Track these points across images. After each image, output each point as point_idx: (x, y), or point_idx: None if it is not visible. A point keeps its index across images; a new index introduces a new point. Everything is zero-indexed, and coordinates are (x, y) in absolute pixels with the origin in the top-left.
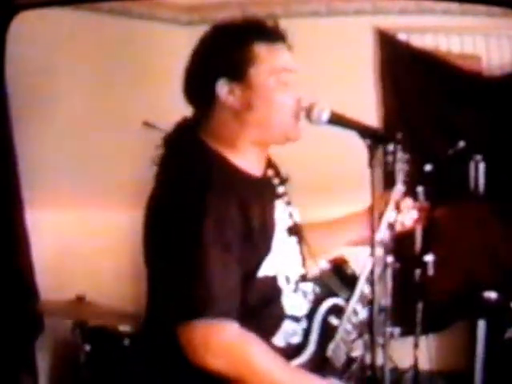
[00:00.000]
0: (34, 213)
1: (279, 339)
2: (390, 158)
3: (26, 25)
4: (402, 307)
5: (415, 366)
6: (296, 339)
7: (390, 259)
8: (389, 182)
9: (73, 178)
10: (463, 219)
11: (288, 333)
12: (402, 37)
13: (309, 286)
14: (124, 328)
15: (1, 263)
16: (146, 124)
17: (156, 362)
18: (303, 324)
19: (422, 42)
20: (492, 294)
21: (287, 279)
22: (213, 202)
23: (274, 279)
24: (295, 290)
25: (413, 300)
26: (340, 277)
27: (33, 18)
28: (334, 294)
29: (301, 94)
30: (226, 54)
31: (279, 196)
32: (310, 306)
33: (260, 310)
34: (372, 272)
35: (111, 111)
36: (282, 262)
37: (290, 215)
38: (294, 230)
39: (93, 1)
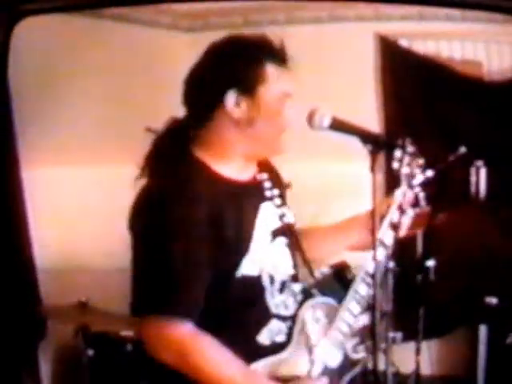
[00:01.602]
0: (36, 215)
1: (264, 337)
2: (396, 164)
3: (28, 31)
4: (403, 312)
5: (417, 371)
6: (281, 337)
7: (391, 264)
8: (390, 187)
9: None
10: (464, 224)
11: (273, 331)
12: (403, 43)
13: (298, 287)
14: (126, 333)
15: (3, 268)
16: (148, 129)
17: (159, 367)
18: (289, 323)
19: (424, 47)
20: (493, 299)
21: (271, 279)
22: (181, 205)
23: (257, 279)
24: (281, 290)
25: (414, 305)
26: (341, 282)
27: (35, 24)
28: (333, 295)
29: (293, 116)
30: (240, 68)
31: (268, 199)
32: (298, 306)
33: (244, 308)
34: (373, 276)
35: (112, 117)
36: (266, 263)
37: (281, 217)
38: (284, 232)
39: (96, 7)
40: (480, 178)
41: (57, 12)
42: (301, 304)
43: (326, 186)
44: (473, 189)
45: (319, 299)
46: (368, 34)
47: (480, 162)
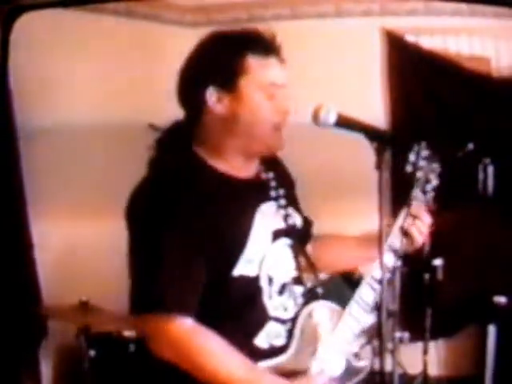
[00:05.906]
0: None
1: (262, 340)
2: (409, 168)
3: (28, 26)
4: (411, 312)
5: (424, 372)
6: (279, 341)
7: (398, 264)
8: (397, 185)
9: (77, 185)
10: (472, 222)
11: (271, 334)
12: (410, 38)
13: (300, 290)
14: (129, 333)
15: (5, 268)
16: (151, 126)
17: (162, 367)
18: (288, 326)
19: (431, 43)
20: (502, 299)
21: (270, 280)
22: (179, 201)
23: (254, 279)
24: (281, 292)
25: (422, 305)
26: (347, 281)
27: (35, 19)
28: (338, 299)
29: (289, 107)
30: (218, 63)
31: (272, 198)
32: (298, 309)
33: (240, 310)
34: (381, 280)
35: (115, 113)
36: (265, 263)
37: (285, 218)
38: (287, 233)
39: (97, 2)
40: (488, 175)
41: (58, 7)
42: (302, 307)
43: (334, 183)
44: (480, 186)
45: (321, 303)
46: (374, 29)
47: (488, 159)
